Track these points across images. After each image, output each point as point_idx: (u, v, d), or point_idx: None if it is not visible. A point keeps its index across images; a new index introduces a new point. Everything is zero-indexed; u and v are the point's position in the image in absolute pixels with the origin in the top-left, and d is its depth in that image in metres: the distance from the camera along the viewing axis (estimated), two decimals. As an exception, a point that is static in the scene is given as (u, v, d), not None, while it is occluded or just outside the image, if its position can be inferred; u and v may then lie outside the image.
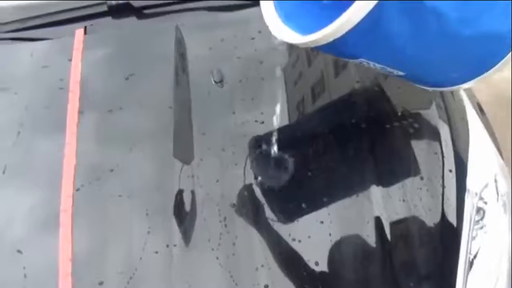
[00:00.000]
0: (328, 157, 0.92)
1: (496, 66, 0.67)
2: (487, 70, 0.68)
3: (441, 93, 1.00)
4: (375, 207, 0.84)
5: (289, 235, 0.84)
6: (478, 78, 0.70)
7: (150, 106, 1.00)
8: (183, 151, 0.94)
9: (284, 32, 0.70)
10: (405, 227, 0.83)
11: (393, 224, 0.83)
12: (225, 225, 0.86)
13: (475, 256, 0.83)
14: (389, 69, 0.70)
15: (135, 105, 1.01)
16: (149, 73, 1.05)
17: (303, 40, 0.67)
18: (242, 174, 0.91)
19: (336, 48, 0.66)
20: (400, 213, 0.85)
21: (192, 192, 0.89)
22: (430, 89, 0.80)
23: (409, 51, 0.65)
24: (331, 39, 0.62)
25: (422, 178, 0.89)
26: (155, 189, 0.91)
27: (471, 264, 0.81)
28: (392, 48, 0.64)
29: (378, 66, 0.70)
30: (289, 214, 0.87)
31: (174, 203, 0.89)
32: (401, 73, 0.71)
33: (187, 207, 0.88)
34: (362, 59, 0.68)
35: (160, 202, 0.90)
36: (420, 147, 0.93)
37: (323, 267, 0.81)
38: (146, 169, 0.94)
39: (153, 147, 0.96)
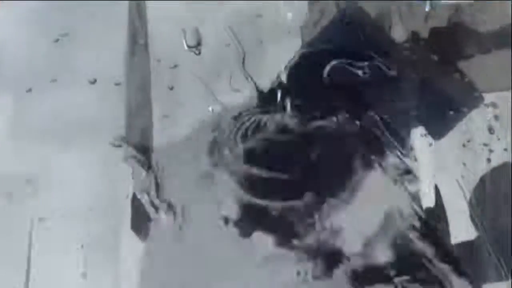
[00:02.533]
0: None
1: None
2: None
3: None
4: None
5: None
6: None
7: (90, 81, 0.91)
8: (139, 148, 0.88)
9: None
10: None
11: None
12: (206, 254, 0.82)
13: None
14: None
15: (68, 80, 0.92)
16: (89, 33, 0.95)
17: None
18: (226, 178, 0.86)
19: None
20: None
21: (153, 208, 0.85)
22: None
23: None
24: None
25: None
26: (95, 208, 0.86)
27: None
28: None
29: None
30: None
31: (124, 228, 0.84)
32: None
33: (144, 233, 0.84)
34: None
35: (103, 228, 0.84)
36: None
37: None
38: (83, 177, 0.87)
39: (94, 143, 0.89)
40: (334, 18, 0.99)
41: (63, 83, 0.92)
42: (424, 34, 0.96)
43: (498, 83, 0.92)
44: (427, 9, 0.93)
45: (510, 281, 0.84)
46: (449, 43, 0.97)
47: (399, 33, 0.95)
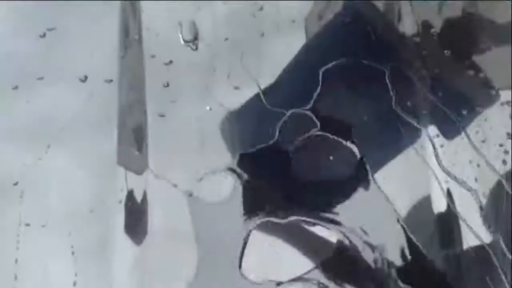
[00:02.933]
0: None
1: None
2: None
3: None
4: None
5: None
6: None
7: (79, 79, 0.91)
8: (132, 150, 0.87)
9: None
10: None
11: None
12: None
13: None
14: None
15: (55, 78, 0.92)
16: (78, 27, 0.95)
17: None
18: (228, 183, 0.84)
19: None
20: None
21: (145, 216, 0.83)
22: None
23: None
24: None
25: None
26: (85, 214, 0.84)
27: None
28: None
29: None
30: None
31: (116, 236, 0.83)
32: None
33: (138, 240, 0.83)
34: None
35: (94, 235, 0.83)
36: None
37: None
38: (72, 180, 0.86)
39: (84, 144, 0.88)
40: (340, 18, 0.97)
41: (51, 80, 0.90)
42: (437, 25, 0.94)
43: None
44: None
45: None
46: (463, 35, 0.95)
47: (409, 25, 0.93)
